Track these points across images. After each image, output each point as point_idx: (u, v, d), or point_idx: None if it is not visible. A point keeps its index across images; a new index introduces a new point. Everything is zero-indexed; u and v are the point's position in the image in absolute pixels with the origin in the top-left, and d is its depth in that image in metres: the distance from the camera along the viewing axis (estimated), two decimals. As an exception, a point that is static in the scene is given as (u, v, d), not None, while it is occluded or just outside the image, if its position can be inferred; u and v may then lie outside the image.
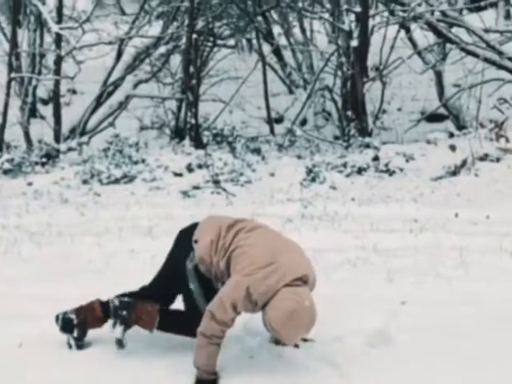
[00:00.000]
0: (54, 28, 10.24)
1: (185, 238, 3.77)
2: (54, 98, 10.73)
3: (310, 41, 12.80)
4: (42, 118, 11.34)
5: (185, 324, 3.66)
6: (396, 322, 4.21)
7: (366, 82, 10.19)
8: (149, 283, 3.90)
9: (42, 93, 12.28)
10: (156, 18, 12.71)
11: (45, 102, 12.26)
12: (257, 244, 3.55)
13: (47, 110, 11.54)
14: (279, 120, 12.13)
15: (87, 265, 5.45)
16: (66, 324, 3.84)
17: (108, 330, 3.78)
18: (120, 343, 3.72)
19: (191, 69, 10.51)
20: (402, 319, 4.25)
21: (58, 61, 10.57)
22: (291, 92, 12.84)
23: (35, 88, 10.93)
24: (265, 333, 3.97)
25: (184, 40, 10.50)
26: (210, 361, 3.50)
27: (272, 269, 3.45)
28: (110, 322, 3.77)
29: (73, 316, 3.83)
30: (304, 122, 11.78)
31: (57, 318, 3.88)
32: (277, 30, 13.31)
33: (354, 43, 10.06)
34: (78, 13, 13.64)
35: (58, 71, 10.49)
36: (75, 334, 3.83)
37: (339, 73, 10.82)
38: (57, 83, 10.49)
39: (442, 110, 11.31)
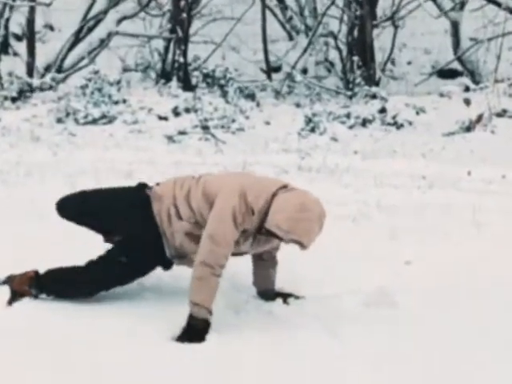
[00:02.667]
0: None
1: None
2: (28, 29, 10.54)
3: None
4: (16, 54, 11.10)
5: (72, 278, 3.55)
6: (398, 282, 4.16)
7: (376, 25, 10.04)
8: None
9: (15, 28, 12.00)
10: None
11: (18, 38, 12.02)
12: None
13: (21, 47, 11.31)
14: (277, 69, 11.95)
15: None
16: None
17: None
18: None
19: (182, 3, 10.31)
20: (404, 280, 4.20)
21: (34, -14, 10.35)
22: (291, 38, 12.64)
23: (8, 20, 10.68)
24: (252, 288, 3.92)
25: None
26: (211, 296, 3.38)
27: (257, 179, 3.55)
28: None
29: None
30: (304, 72, 11.62)
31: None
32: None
33: (365, -20, 9.89)
34: None
35: (33, -3, 10.29)
36: None
37: (345, 17, 10.61)
38: (31, 11, 10.28)
39: (457, 66, 11.16)
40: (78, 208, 3.72)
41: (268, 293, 3.88)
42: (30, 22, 10.72)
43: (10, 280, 3.67)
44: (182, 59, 10.07)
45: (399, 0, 10.33)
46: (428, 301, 3.96)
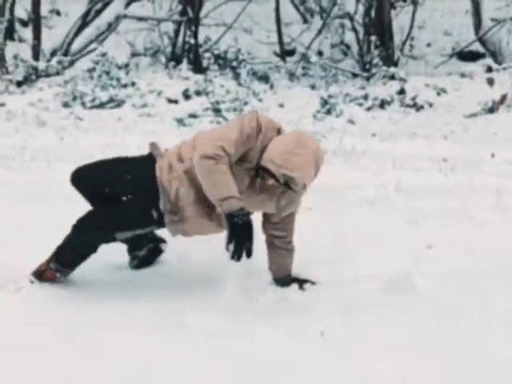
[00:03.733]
0: None
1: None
2: (34, 12, 10.51)
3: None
4: (21, 40, 11.05)
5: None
6: (420, 267, 4.10)
7: (394, 3, 9.95)
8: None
9: (21, 13, 11.96)
10: None
11: (24, 24, 11.96)
12: None
13: (27, 33, 11.28)
14: (291, 52, 11.87)
15: (63, 193, 5.33)
16: None
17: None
18: None
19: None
20: (426, 265, 4.15)
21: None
22: (305, 21, 12.54)
23: (13, 5, 10.65)
24: (267, 273, 3.88)
25: None
26: (229, 183, 3.29)
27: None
28: None
29: None
30: (319, 55, 11.51)
31: None
32: None
33: (383, -45, 9.78)
34: None
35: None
36: None
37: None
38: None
39: (478, 47, 11.02)
40: (93, 179, 3.71)
41: (284, 279, 3.84)
42: (36, 3, 10.69)
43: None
44: (192, 40, 10.00)
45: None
46: (450, 286, 3.90)
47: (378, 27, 9.99)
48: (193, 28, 10.03)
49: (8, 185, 5.51)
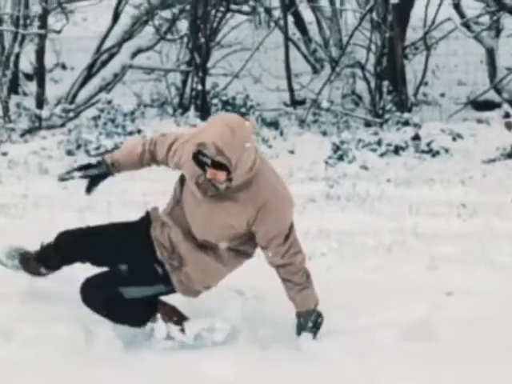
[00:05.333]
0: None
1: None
2: (38, 60, 10.62)
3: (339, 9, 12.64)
4: (26, 94, 11.11)
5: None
6: (440, 314, 4.06)
7: (408, 47, 10.01)
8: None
9: (25, 66, 12.03)
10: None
11: (29, 78, 11.97)
12: None
13: (31, 87, 11.35)
14: (301, 102, 11.92)
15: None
16: None
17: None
18: None
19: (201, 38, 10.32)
20: (446, 311, 4.12)
21: (44, 15, 10.46)
22: (315, 71, 12.64)
23: (18, 57, 10.76)
24: (280, 319, 3.82)
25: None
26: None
27: None
28: None
29: None
30: (329, 110, 11.48)
31: None
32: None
33: (394, 0, 9.87)
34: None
35: (43, 26, 10.38)
36: None
37: (373, 46, 10.56)
38: (42, 39, 10.37)
39: (494, 96, 11.01)
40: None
41: (303, 314, 3.72)
42: (40, 54, 10.81)
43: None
44: (200, 87, 10.07)
45: (433, 18, 10.27)
46: (471, 333, 3.86)
47: (391, 72, 10.02)
48: (200, 74, 10.09)
49: (7, 233, 5.48)
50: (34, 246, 5.00)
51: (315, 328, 3.71)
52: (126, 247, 3.74)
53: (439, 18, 10.50)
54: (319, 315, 3.73)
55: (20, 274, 4.02)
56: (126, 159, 3.91)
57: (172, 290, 3.67)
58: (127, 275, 3.64)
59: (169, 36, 11.73)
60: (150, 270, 3.63)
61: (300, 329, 3.72)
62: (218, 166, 3.34)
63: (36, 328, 3.65)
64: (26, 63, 11.75)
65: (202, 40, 10.25)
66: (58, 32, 10.51)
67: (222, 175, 3.36)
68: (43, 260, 3.96)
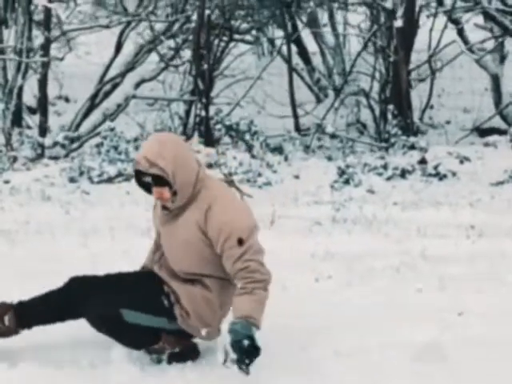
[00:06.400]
0: (42, 1, 10.21)
1: None
2: (41, 89, 10.66)
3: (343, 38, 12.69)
4: (29, 127, 11.08)
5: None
6: (450, 334, 4.01)
7: (413, 70, 10.02)
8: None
9: (29, 100, 12.02)
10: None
11: (32, 111, 11.95)
12: None
13: (35, 120, 11.35)
14: (305, 130, 11.93)
15: (70, 266, 5.27)
16: None
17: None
18: None
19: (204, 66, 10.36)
20: (457, 331, 4.05)
21: (47, 44, 10.53)
22: (319, 101, 12.68)
23: (21, 89, 10.80)
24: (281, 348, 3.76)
25: (195, 17, 10.38)
26: None
27: None
28: None
29: None
30: (334, 136, 11.48)
31: None
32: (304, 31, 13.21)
33: (399, 23, 9.90)
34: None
35: (46, 54, 10.43)
36: None
37: (377, 74, 10.59)
38: (45, 66, 10.42)
39: (499, 123, 11.01)
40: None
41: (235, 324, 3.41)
42: (42, 82, 10.85)
43: None
44: (203, 113, 10.09)
45: (436, 43, 10.31)
46: (482, 354, 3.79)
47: (396, 96, 10.03)
48: (203, 100, 10.11)
49: (8, 259, 5.46)
50: (35, 273, 5.00)
51: (243, 354, 3.32)
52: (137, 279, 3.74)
53: (443, 42, 10.59)
54: (253, 343, 3.34)
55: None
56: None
57: (176, 331, 3.60)
58: (130, 298, 3.59)
59: (173, 62, 11.78)
60: (154, 299, 3.60)
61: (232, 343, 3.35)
62: (158, 181, 3.46)
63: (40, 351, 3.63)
64: (30, 96, 11.79)
65: (205, 66, 10.28)
66: (61, 59, 10.57)
67: (165, 192, 3.50)
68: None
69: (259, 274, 3.45)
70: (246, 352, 3.28)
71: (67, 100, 13.90)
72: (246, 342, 3.29)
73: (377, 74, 10.62)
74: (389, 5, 10.15)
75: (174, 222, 3.58)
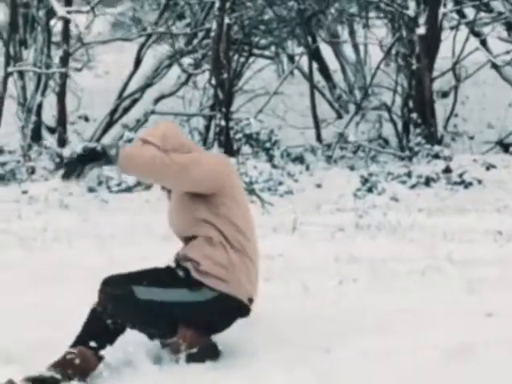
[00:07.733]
0: (61, 11, 10.26)
1: None
2: (59, 101, 10.71)
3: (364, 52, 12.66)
4: (46, 147, 11.08)
5: None
6: (479, 336, 3.89)
7: (436, 78, 9.95)
8: None
9: (48, 119, 12.01)
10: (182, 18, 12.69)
11: (51, 131, 11.93)
12: None
13: (53, 139, 11.34)
14: (328, 146, 11.88)
15: (87, 271, 5.21)
16: None
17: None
18: None
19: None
20: (486, 333, 3.93)
21: (65, 56, 10.59)
22: (340, 117, 12.64)
23: (40, 106, 10.82)
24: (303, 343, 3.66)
25: (214, 27, 10.37)
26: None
27: None
28: None
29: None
30: (357, 149, 11.42)
31: None
32: (325, 48, 13.19)
33: (421, 31, 9.84)
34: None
35: (64, 64, 10.48)
36: None
37: (399, 88, 10.52)
38: (63, 77, 10.47)
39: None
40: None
41: None
42: (61, 92, 10.90)
43: None
44: (223, 123, 10.06)
45: (459, 53, 10.25)
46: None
47: (419, 102, 9.95)
48: (223, 109, 10.09)
49: (25, 265, 5.41)
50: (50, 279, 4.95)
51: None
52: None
53: (465, 53, 10.50)
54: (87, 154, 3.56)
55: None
56: None
57: (202, 303, 3.53)
58: (141, 274, 3.56)
59: (193, 71, 11.75)
60: (166, 272, 3.58)
61: None
62: None
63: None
64: (49, 116, 11.81)
65: (225, 75, 10.27)
66: (80, 69, 10.59)
67: None
68: None
69: (169, 159, 3.58)
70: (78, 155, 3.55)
71: (87, 119, 13.95)
72: (84, 149, 3.56)
73: (399, 88, 10.54)
74: (411, 12, 10.09)
75: (170, 196, 3.84)
